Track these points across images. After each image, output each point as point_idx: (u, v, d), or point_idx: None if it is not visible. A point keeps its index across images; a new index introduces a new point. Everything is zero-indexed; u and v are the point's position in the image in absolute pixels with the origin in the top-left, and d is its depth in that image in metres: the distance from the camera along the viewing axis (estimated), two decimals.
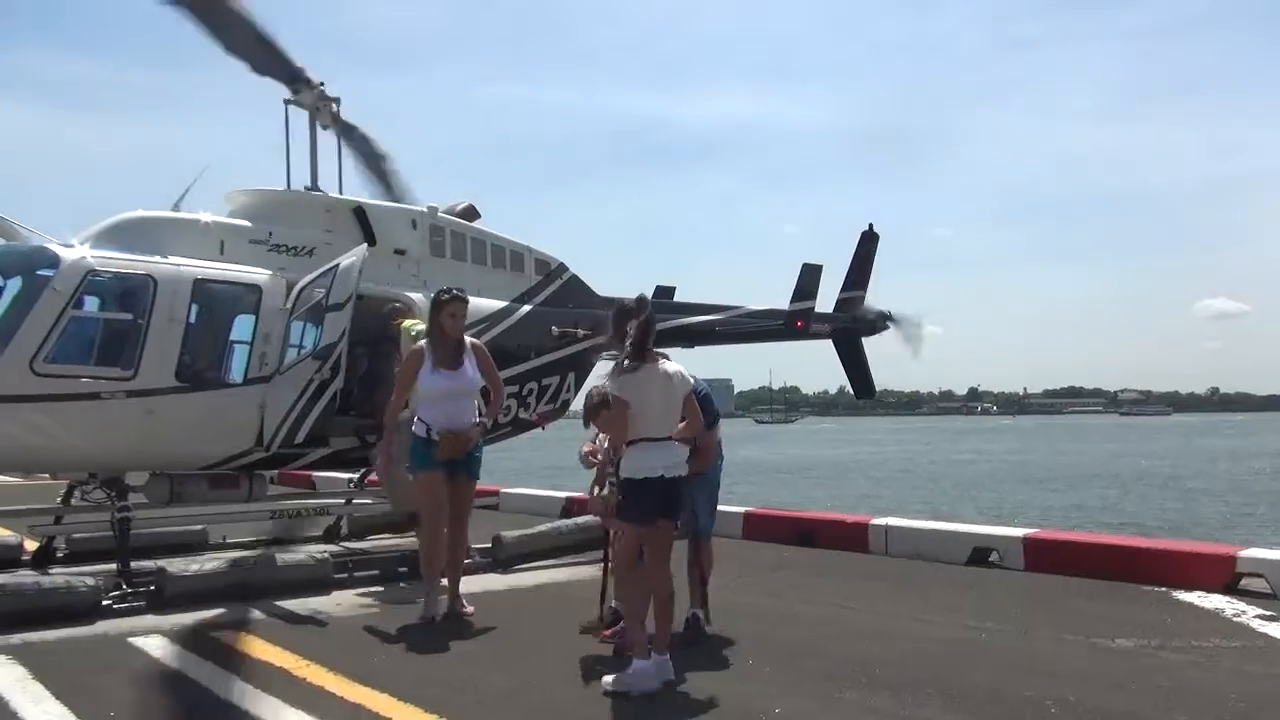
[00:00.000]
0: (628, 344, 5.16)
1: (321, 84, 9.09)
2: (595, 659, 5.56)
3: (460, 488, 6.84)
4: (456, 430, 6.64)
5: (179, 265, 7.87)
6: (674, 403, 5.17)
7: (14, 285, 7.48)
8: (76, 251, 7.57)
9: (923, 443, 75.87)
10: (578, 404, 11.07)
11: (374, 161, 9.96)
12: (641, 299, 5.31)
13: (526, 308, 10.18)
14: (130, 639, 6.11)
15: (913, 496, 33.00)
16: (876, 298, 14.36)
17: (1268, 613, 6.42)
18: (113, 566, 7.49)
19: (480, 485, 7.51)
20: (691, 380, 5.37)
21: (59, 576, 7.10)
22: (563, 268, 10.77)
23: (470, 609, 6.70)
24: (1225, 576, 7.19)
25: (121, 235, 7.89)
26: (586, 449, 6.09)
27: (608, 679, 4.98)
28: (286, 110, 9.02)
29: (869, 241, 14.42)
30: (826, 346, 13.93)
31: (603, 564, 6.30)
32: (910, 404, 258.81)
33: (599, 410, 5.76)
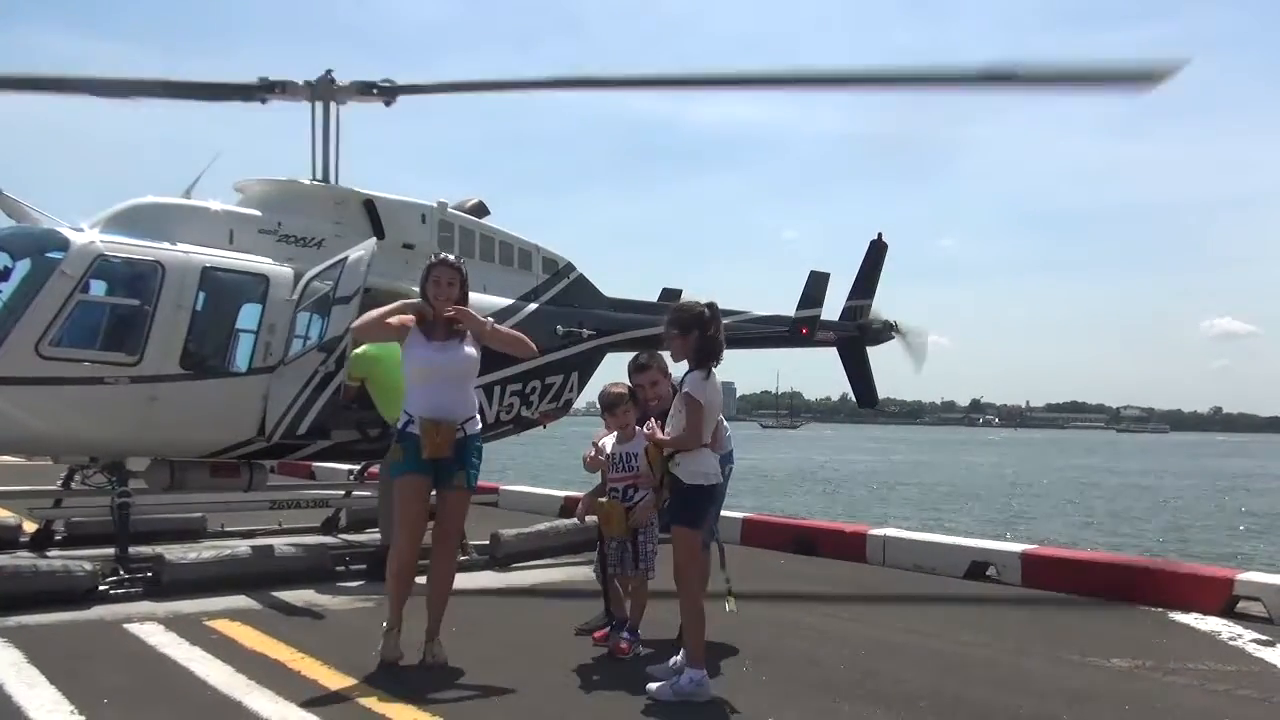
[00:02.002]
0: (702, 350, 5.09)
1: (328, 72, 9.06)
2: (591, 660, 5.57)
3: (448, 502, 5.48)
4: (439, 419, 5.37)
5: (188, 253, 7.89)
6: (720, 412, 5.24)
7: (23, 267, 7.50)
8: (86, 236, 7.58)
9: (923, 455, 75.74)
10: (580, 403, 11.09)
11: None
12: (713, 306, 5.23)
13: (532, 306, 10.19)
14: (126, 625, 6.13)
15: (913, 505, 32.98)
16: (881, 307, 14.39)
17: (1264, 637, 6.41)
18: (111, 551, 7.50)
19: (481, 483, 7.25)
20: None
21: (56, 560, 7.12)
22: (570, 267, 10.78)
23: (443, 659, 5.36)
24: (1223, 599, 7.18)
25: (131, 221, 7.91)
26: (591, 453, 6.01)
27: (653, 686, 4.92)
28: (314, 106, 9.04)
29: (877, 251, 14.41)
30: (830, 353, 13.93)
31: (600, 567, 6.16)
32: (912, 413, 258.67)
33: (622, 401, 5.80)
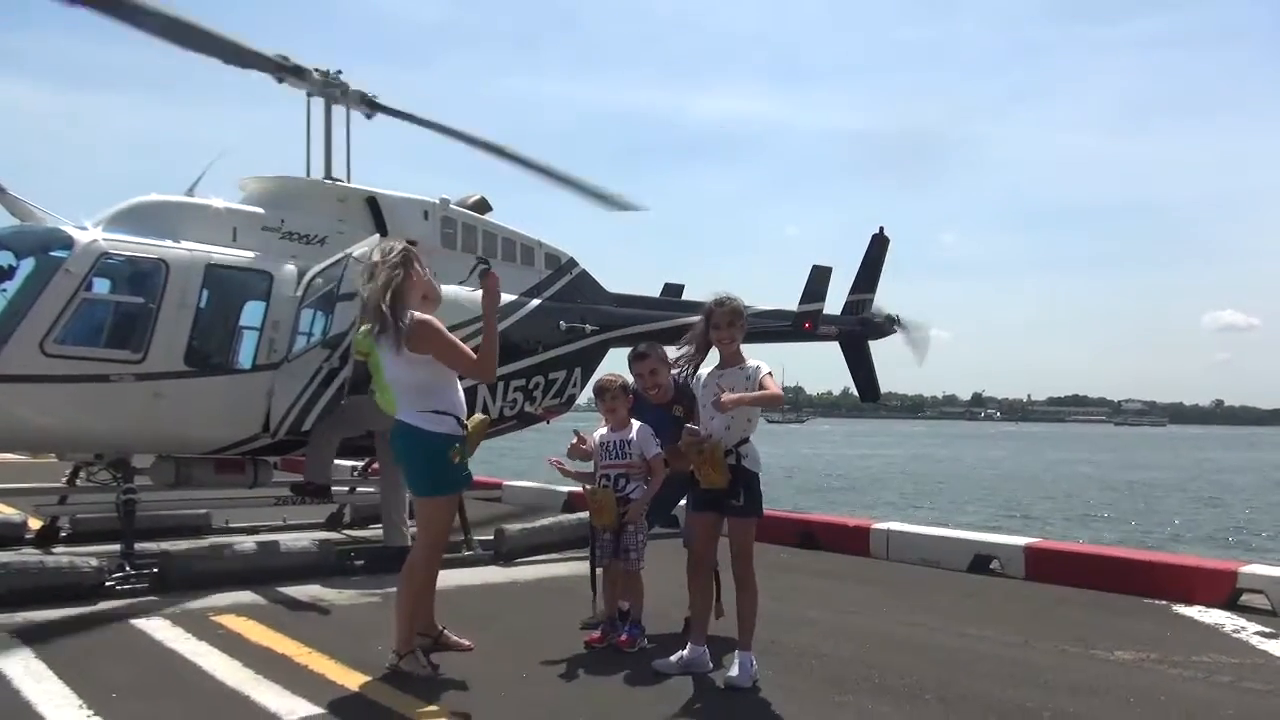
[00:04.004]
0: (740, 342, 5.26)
1: (337, 71, 9.10)
2: (595, 654, 5.58)
3: (457, 501, 5.64)
4: (484, 416, 5.72)
5: (191, 250, 7.91)
6: None
7: (27, 266, 7.52)
8: (90, 234, 7.60)
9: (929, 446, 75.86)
10: (582, 399, 11.10)
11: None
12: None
13: (535, 302, 10.21)
14: (133, 620, 6.15)
15: (916, 500, 33.02)
16: (883, 302, 14.42)
17: (1267, 630, 6.42)
18: (116, 548, 7.52)
19: (483, 478, 7.23)
20: None
21: (63, 556, 7.14)
22: (573, 263, 10.79)
23: (465, 643, 5.50)
24: (1226, 592, 7.19)
25: (135, 219, 7.92)
26: (574, 441, 5.88)
27: (731, 674, 4.99)
28: (309, 101, 9.07)
29: (879, 245, 14.43)
30: (830, 346, 13.95)
31: (590, 561, 6.10)
32: (913, 407, 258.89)
33: (612, 387, 5.88)
